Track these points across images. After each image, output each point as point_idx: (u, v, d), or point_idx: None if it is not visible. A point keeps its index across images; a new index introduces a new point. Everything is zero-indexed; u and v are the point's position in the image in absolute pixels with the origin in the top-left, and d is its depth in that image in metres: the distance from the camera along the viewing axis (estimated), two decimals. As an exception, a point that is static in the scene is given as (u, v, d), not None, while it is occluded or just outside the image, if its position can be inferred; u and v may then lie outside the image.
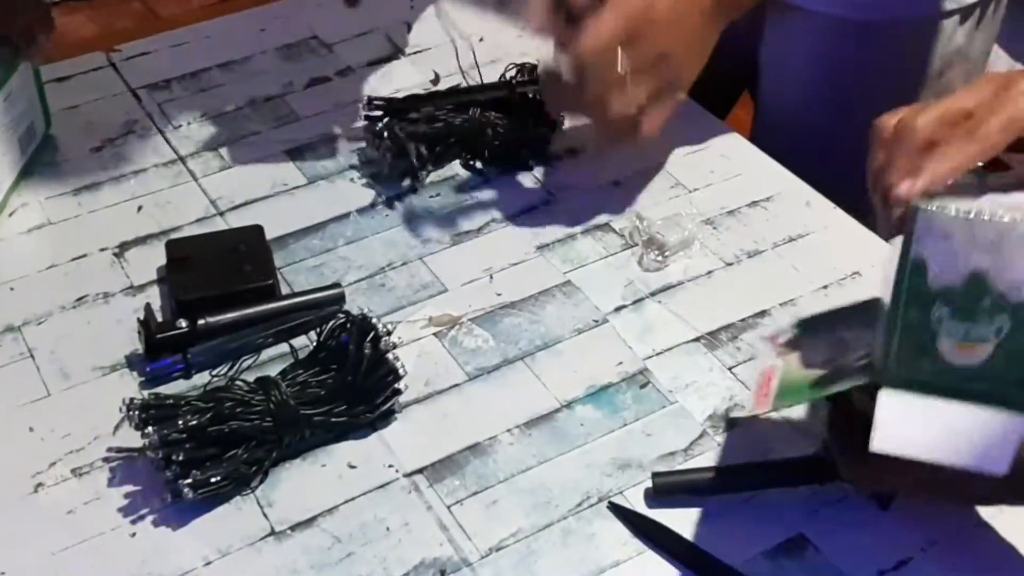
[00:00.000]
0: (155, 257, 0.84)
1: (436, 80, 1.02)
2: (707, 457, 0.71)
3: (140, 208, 0.90)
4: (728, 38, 1.12)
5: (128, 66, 1.05)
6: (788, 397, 0.65)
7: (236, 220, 0.88)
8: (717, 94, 1.17)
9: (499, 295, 0.82)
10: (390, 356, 0.72)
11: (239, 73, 1.04)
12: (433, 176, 0.92)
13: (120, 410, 0.69)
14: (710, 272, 0.83)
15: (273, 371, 0.74)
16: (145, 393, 0.73)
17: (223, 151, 0.95)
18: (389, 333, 0.73)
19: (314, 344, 0.74)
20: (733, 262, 0.84)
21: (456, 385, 0.76)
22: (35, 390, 0.76)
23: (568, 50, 0.82)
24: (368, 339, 0.72)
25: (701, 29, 0.87)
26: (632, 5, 0.82)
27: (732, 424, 0.72)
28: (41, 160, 0.95)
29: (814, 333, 0.70)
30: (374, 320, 0.73)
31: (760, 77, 1.11)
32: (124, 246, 0.86)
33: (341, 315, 0.74)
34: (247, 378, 0.72)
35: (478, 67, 1.00)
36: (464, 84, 1.00)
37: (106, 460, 0.71)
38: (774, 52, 1.08)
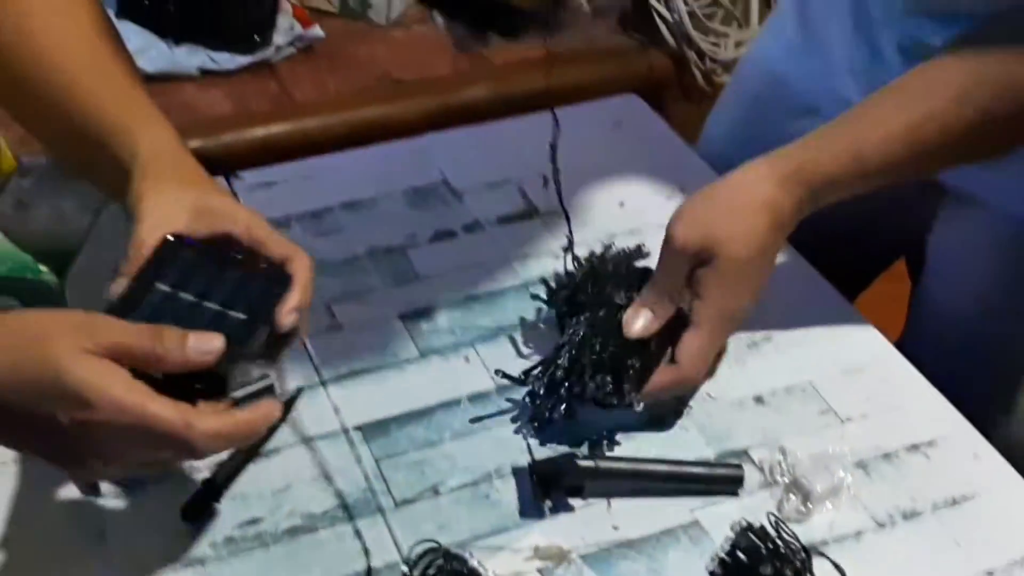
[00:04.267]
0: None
1: (569, 247, 0.94)
2: None
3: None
4: (879, 218, 1.01)
5: (250, 196, 0.99)
6: None
7: (338, 393, 0.82)
8: (855, 272, 1.07)
9: (616, 528, 0.74)
10: (485, 612, 0.64)
11: (363, 215, 0.98)
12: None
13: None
14: (859, 533, 0.73)
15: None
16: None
17: (335, 308, 0.89)
18: (487, 581, 0.65)
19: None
20: (886, 523, 0.74)
21: (557, 645, 0.67)
22: None
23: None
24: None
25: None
26: (720, 312, 0.79)
27: None
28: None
29: None
30: (473, 563, 0.65)
31: (925, 271, 1.00)
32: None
33: (434, 549, 0.66)
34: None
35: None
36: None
37: None
38: (946, 247, 0.97)
